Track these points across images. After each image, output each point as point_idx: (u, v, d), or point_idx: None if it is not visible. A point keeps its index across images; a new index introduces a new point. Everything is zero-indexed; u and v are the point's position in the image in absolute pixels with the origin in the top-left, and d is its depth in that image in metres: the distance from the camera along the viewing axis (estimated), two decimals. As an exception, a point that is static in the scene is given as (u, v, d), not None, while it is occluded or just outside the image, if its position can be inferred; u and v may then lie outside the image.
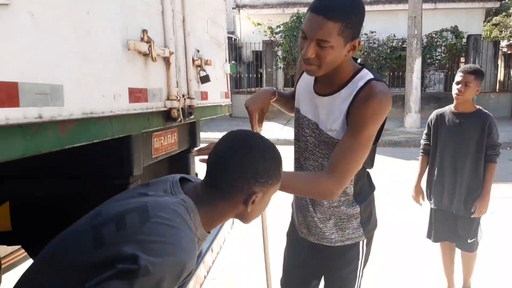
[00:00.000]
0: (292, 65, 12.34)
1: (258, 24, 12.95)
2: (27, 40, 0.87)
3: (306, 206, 1.62)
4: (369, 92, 1.33)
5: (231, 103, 3.12)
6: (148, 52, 1.46)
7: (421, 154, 2.84)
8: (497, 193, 5.14)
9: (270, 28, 12.58)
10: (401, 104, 11.36)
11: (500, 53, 14.19)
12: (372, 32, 12.37)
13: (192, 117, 1.97)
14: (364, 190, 1.58)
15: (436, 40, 12.03)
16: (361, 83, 1.36)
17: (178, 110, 1.76)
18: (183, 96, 1.87)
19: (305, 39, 1.27)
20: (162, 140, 1.92)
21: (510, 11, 17.81)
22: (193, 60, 2.02)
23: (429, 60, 11.95)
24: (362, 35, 12.37)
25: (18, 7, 0.84)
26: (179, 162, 2.37)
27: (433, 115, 2.75)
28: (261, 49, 13.00)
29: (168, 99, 1.72)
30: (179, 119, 1.79)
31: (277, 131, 10.52)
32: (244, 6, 14.83)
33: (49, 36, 0.95)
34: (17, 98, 0.83)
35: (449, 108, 2.68)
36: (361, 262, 1.62)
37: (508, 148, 8.40)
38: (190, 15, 1.96)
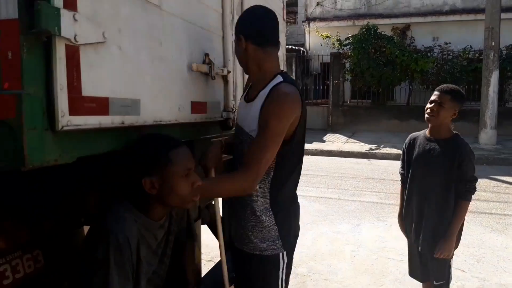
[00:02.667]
0: (359, 77, 12.26)
1: (327, 36, 13.06)
2: (116, 66, 1.19)
3: (231, 209, 1.74)
4: (274, 93, 1.51)
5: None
6: (208, 71, 1.76)
7: (401, 183, 2.55)
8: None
9: (338, 40, 12.64)
10: (476, 119, 10.72)
11: None
12: (446, 44, 11.90)
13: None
14: (282, 200, 1.62)
15: (516, 52, 11.24)
16: (270, 86, 1.55)
17: (233, 120, 2.04)
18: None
19: None
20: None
21: None
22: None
23: (508, 73, 11.18)
24: (436, 46, 11.95)
25: (110, 43, 1.16)
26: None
27: (407, 139, 2.49)
28: (329, 61, 13.08)
29: (224, 110, 2.00)
30: (233, 128, 2.06)
31: (340, 144, 10.52)
32: (314, 19, 15.04)
33: (131, 62, 1.26)
34: (107, 109, 1.15)
35: (423, 132, 2.40)
36: (282, 273, 1.62)
37: None
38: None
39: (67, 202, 1.68)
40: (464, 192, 2.23)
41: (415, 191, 2.37)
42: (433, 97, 2.27)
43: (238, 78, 2.14)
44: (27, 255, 1.51)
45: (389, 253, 3.82)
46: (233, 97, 2.06)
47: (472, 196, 2.25)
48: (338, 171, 7.47)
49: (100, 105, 1.12)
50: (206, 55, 1.76)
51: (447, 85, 2.30)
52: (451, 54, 11.86)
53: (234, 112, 2.05)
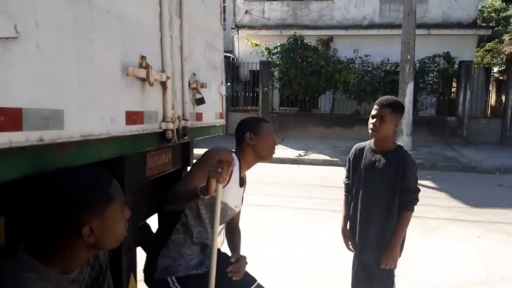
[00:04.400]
0: (287, 85, 12.52)
1: (256, 44, 13.17)
2: (33, 69, 0.94)
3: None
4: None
5: (225, 123, 3.19)
6: (145, 77, 1.53)
7: (344, 194, 2.49)
8: (485, 218, 5.28)
9: (267, 49, 12.80)
10: (395, 127, 11.49)
11: (492, 78, 14.50)
12: (367, 56, 12.61)
13: (186, 137, 2.03)
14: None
15: (428, 65, 12.28)
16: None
17: (173, 131, 1.82)
18: (178, 117, 1.93)
19: None
20: (156, 160, 1.98)
21: (502, 37, 18.27)
22: (189, 84, 2.09)
23: (421, 85, 12.17)
24: (357, 58, 12.64)
25: (25, 39, 0.91)
26: (172, 181, 2.42)
27: (353, 149, 2.45)
28: (258, 68, 13.19)
29: (163, 120, 1.78)
30: (173, 140, 1.85)
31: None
32: (243, 26, 15.10)
33: (53, 65, 1.01)
34: (20, 123, 0.89)
35: (369, 143, 2.38)
36: None
37: (497, 173, 8.50)
38: (187, 41, 2.04)
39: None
40: (407, 202, 2.24)
41: (360, 202, 2.34)
42: (374, 112, 2.24)
43: (177, 84, 1.93)
44: None
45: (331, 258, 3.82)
46: (172, 106, 1.85)
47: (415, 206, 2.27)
48: (270, 178, 7.45)
49: (11, 118, 0.86)
50: (143, 58, 1.53)
51: (386, 97, 2.28)
52: (371, 66, 12.61)
53: (173, 122, 1.84)
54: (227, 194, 1.93)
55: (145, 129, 1.61)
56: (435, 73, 12.37)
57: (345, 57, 12.78)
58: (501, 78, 14.25)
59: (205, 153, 1.94)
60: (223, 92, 3.11)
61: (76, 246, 1.03)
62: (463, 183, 7.52)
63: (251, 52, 13.47)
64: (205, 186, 1.52)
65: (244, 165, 2.06)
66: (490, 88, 14.37)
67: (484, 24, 20.41)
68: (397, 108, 2.24)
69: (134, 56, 1.49)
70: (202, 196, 1.56)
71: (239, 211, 2.23)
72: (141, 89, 1.56)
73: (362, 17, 14.74)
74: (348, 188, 2.46)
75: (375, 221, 2.28)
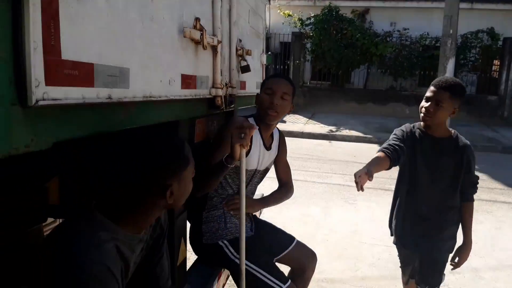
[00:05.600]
0: (320, 58, 12.22)
1: (289, 15, 12.84)
2: (103, 25, 0.92)
3: None
4: (282, 135, 2.21)
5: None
6: (199, 40, 1.50)
7: (385, 151, 1.87)
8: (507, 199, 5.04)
9: (300, 19, 12.47)
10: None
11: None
12: (405, 29, 12.11)
13: (232, 105, 2.00)
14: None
15: (470, 41, 11.68)
16: (276, 132, 2.14)
17: (221, 98, 1.80)
18: (226, 84, 1.90)
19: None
20: (204, 127, 1.97)
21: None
22: (236, 49, 2.05)
23: (462, 61, 11.63)
24: (394, 31, 12.15)
25: (97, -9, 0.88)
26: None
27: (404, 128, 2.07)
28: (289, 40, 12.91)
29: (213, 86, 1.75)
30: (222, 107, 1.83)
31: (301, 125, 10.49)
32: (275, -4, 14.73)
33: (120, 22, 0.99)
34: (92, 79, 0.88)
35: (418, 126, 2.04)
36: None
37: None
38: (236, 5, 1.98)
39: (26, 190, 1.38)
40: (471, 194, 2.05)
41: (420, 195, 2.05)
42: (428, 94, 1.91)
43: (226, 49, 1.89)
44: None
45: (361, 237, 3.79)
46: (221, 72, 1.82)
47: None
48: (301, 152, 7.40)
49: (84, 74, 0.85)
50: (197, 19, 1.49)
51: (445, 78, 1.91)
52: (409, 40, 12.10)
53: (222, 89, 1.81)
54: (252, 157, 1.94)
55: (197, 94, 1.59)
56: (477, 49, 11.76)
57: (382, 30, 12.30)
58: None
59: (220, 128, 1.94)
60: (264, 61, 3.05)
61: (153, 207, 1.05)
62: (504, 164, 7.26)
63: (283, 23, 13.15)
64: (229, 155, 1.63)
65: (264, 129, 1.98)
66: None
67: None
68: (458, 92, 1.89)
69: (189, 17, 1.46)
70: (228, 165, 1.64)
71: (288, 170, 2.24)
72: (195, 52, 1.53)
73: (401, -12, 14.05)
74: (394, 151, 1.87)
75: (437, 216, 2.05)
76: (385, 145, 1.95)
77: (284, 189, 2.20)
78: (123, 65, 1.00)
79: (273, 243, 2.03)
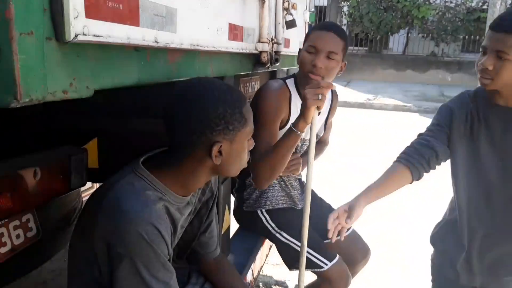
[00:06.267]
0: (358, 22, 11.66)
1: (325, -23, 12.26)
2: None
3: None
4: (334, 93, 1.91)
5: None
6: (247, -14, 1.34)
7: (403, 159, 1.33)
8: None
9: (337, -19, 11.89)
10: (475, 71, 10.49)
11: None
12: (450, -10, 11.32)
13: (278, 64, 1.84)
14: None
15: (523, 1, 10.77)
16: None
17: (268, 54, 1.65)
18: (272, 40, 1.74)
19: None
20: (247, 86, 1.83)
21: None
22: (283, 1, 1.87)
23: (512, 24, 10.79)
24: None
25: None
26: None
27: (458, 103, 1.36)
28: (325, 4, 12.36)
29: (259, 41, 1.60)
30: (268, 65, 1.68)
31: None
32: (310, -43, 14.04)
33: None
34: (137, 17, 0.75)
35: (482, 95, 1.32)
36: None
37: None
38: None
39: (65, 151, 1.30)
40: None
41: (474, 203, 1.35)
42: (485, 42, 1.22)
43: (272, 0, 1.72)
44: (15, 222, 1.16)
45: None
46: (267, 26, 1.65)
47: None
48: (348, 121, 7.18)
49: (129, 9, 0.72)
50: (245, -37, 1.33)
51: (507, 14, 1.21)
52: (454, 1, 11.31)
53: (269, 44, 1.65)
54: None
55: (244, 48, 1.44)
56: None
57: (426, -10, 11.56)
58: None
59: (262, 102, 1.55)
60: (307, 18, 2.84)
61: (200, 166, 0.94)
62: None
63: (319, -14, 12.59)
64: (297, 120, 1.35)
65: (301, 84, 1.62)
66: None
67: None
68: None
69: (237, -41, 1.29)
70: (299, 132, 1.36)
71: (330, 129, 1.99)
72: (242, 0, 1.38)
73: None
74: (418, 157, 1.31)
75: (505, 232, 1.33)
76: (414, 142, 1.38)
77: (323, 144, 1.99)
78: (171, 4, 0.87)
79: (323, 224, 1.70)
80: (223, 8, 1.20)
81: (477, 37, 10.85)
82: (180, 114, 0.89)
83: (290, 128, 1.38)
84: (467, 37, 11.30)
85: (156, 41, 0.82)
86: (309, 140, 1.42)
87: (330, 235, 1.22)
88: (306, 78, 1.52)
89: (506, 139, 1.27)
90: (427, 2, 11.14)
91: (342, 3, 12.12)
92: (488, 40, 1.19)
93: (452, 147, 1.35)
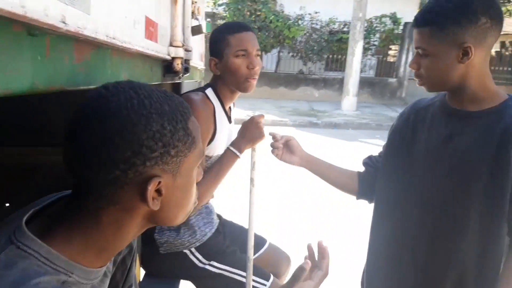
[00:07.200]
0: (234, 40, 11.89)
1: (199, -6, 12.24)
2: None
3: None
4: None
5: (204, 67, 2.73)
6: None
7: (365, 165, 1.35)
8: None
9: (212, -1, 11.99)
10: (338, 88, 11.64)
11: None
12: (316, 13, 12.34)
13: (188, 74, 1.58)
14: None
15: (375, 25, 12.34)
16: None
17: (182, 61, 1.37)
18: (183, 45, 1.47)
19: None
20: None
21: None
22: (192, 2, 1.62)
23: (366, 46, 12.26)
24: (306, 14, 12.33)
25: None
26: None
27: (406, 111, 1.28)
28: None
29: (171, 44, 1.31)
30: (181, 74, 1.40)
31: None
32: (182, -27, 13.93)
33: None
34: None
35: (441, 97, 1.17)
36: None
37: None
38: None
39: None
40: None
41: (412, 217, 1.15)
42: (416, 37, 1.08)
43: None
44: None
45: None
46: (181, 27, 1.38)
47: None
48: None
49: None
50: None
51: (425, 6, 1.05)
52: (319, 23, 12.37)
53: (182, 49, 1.38)
54: (222, 139, 1.51)
55: (159, 51, 1.15)
56: (381, 33, 12.50)
57: (294, 12, 12.40)
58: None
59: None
60: (205, 28, 2.62)
61: (128, 217, 0.61)
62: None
63: (193, 3, 12.51)
64: (239, 143, 1.41)
65: (226, 101, 1.53)
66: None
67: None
68: (458, 14, 0.98)
69: None
70: (240, 154, 1.40)
71: None
72: (154, -9, 1.09)
73: (309, -29, 14.30)
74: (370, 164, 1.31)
75: (456, 252, 1.07)
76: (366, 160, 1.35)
77: None
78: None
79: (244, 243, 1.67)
80: (138, -6, 0.90)
81: (339, 56, 12.04)
82: (92, 139, 0.57)
83: (229, 150, 1.34)
84: (331, 56, 12.44)
85: (63, 21, 0.50)
86: (253, 162, 1.43)
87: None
88: (243, 85, 1.44)
89: (439, 147, 1.11)
90: (295, 24, 11.97)
91: (218, 21, 12.26)
92: (413, 40, 1.10)
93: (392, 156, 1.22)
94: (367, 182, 1.27)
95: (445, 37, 1.00)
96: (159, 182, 0.59)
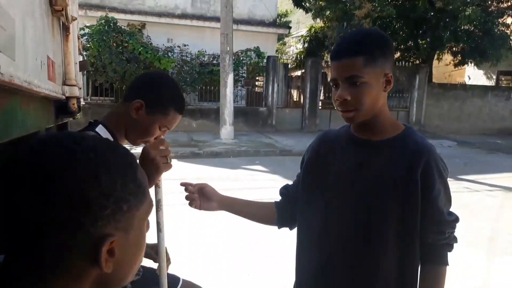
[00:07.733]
0: (101, 72, 11.31)
1: (58, 23, 11.38)
2: None
3: None
4: None
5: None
6: (62, 8, 0.98)
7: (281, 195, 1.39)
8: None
9: (73, 29, 11.25)
10: (214, 118, 11.93)
11: (288, 73, 16.57)
12: (185, 45, 12.54)
13: (79, 114, 1.46)
14: None
15: (242, 58, 13.09)
16: None
17: (77, 100, 1.27)
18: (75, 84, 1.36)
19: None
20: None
21: (284, 39, 21.32)
22: (78, 37, 1.51)
23: (235, 77, 12.89)
24: (175, 46, 12.42)
25: None
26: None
27: (314, 142, 1.30)
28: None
29: (65, 83, 1.21)
30: (77, 114, 1.29)
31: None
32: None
33: None
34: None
35: (346, 129, 1.24)
36: None
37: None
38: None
39: None
40: (441, 248, 1.16)
41: (332, 246, 1.18)
42: (334, 73, 1.11)
43: (75, 34, 1.36)
44: None
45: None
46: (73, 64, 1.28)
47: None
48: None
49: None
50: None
51: (353, 34, 1.12)
52: (189, 56, 12.60)
53: (77, 87, 1.27)
54: None
55: (56, 92, 1.05)
56: (247, 66, 13.28)
57: (163, 45, 12.40)
58: (290, 74, 16.43)
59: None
60: (83, 63, 2.47)
61: (78, 285, 0.53)
62: (287, 165, 8.31)
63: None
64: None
65: (120, 139, 1.37)
66: (289, 82, 16.41)
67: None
68: (382, 46, 1.09)
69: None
70: None
71: None
72: (50, 26, 1.00)
73: (175, 5, 14.51)
74: (285, 201, 1.35)
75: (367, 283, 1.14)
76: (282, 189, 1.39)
77: None
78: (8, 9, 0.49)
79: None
80: (42, 34, 0.82)
81: (212, 87, 12.40)
82: (31, 201, 0.49)
83: None
84: (204, 87, 12.72)
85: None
86: (158, 201, 1.31)
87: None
88: (133, 137, 1.35)
89: (354, 172, 1.15)
90: (165, 56, 11.97)
91: (84, 51, 11.53)
92: (336, 71, 1.10)
93: (307, 188, 1.25)
94: (286, 211, 1.32)
95: (377, 66, 1.07)
96: (112, 242, 0.54)
